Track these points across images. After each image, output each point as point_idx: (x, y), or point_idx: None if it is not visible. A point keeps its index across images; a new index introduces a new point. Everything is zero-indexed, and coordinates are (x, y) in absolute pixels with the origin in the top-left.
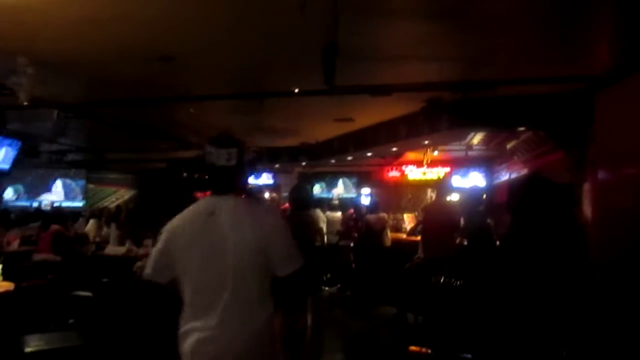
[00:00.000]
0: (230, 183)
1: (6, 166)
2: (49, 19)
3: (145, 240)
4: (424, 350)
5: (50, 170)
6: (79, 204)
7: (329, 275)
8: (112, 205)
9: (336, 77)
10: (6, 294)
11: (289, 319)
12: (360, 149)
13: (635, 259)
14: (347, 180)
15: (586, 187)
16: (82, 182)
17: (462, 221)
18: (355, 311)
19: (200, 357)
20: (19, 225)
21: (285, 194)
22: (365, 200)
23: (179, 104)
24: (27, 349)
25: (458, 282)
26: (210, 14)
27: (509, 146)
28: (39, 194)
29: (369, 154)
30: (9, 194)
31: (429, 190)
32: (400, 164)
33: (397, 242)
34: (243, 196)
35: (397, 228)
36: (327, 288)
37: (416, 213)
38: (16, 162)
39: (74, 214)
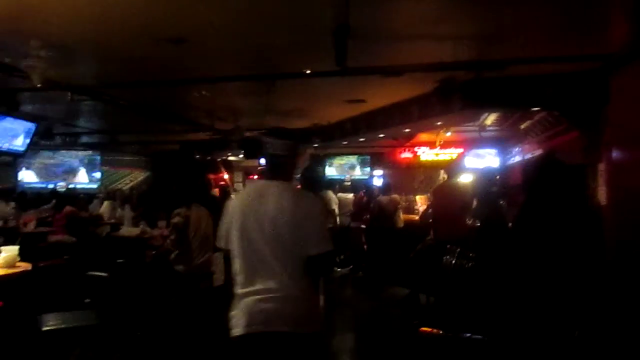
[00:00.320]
0: (280, 171)
1: (21, 148)
2: (61, 1)
3: (159, 222)
4: (435, 331)
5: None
6: (93, 185)
7: (341, 257)
8: (126, 187)
9: (348, 58)
10: (24, 273)
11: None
12: (372, 131)
13: None
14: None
15: (601, 167)
16: (97, 164)
17: (474, 202)
18: (367, 292)
19: (259, 315)
20: (34, 206)
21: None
22: (378, 182)
23: (191, 86)
24: (45, 328)
25: (470, 264)
26: None
27: (522, 126)
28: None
29: (381, 136)
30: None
31: (442, 172)
32: (413, 145)
33: (409, 224)
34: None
35: (410, 210)
36: (339, 269)
37: (428, 195)
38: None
39: (89, 195)
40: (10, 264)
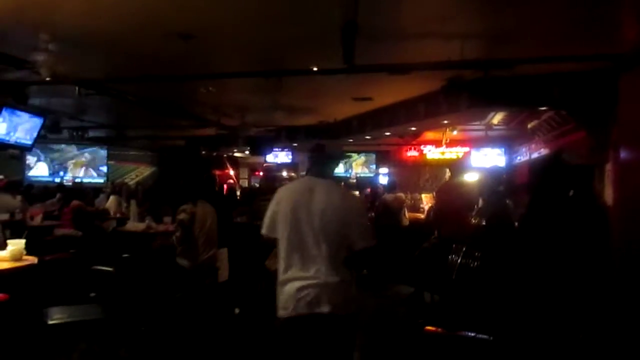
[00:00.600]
0: (328, 171)
1: (29, 142)
2: None
3: (165, 217)
4: (440, 330)
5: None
6: (100, 180)
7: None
8: (132, 182)
9: (355, 56)
10: (30, 267)
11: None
12: (378, 128)
13: None
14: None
15: (609, 167)
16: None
17: (480, 201)
18: (371, 290)
19: (303, 299)
20: (41, 200)
21: (303, 173)
22: (383, 180)
23: (199, 81)
24: (50, 321)
25: (475, 263)
26: None
27: (530, 126)
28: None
29: (388, 133)
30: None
31: (447, 170)
32: (419, 144)
33: (414, 222)
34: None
35: (415, 208)
36: None
37: (434, 193)
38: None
39: (95, 190)
40: (16, 258)
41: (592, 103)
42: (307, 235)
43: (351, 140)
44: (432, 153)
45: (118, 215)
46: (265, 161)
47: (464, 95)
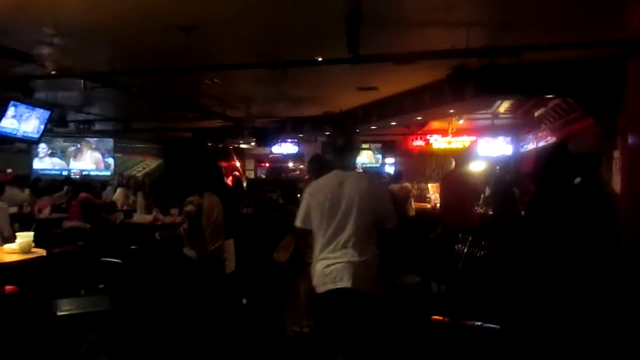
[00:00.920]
0: (352, 164)
1: (35, 135)
2: None
3: (172, 209)
4: (446, 319)
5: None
6: (106, 172)
7: None
8: (139, 174)
9: (360, 46)
10: (39, 259)
11: (313, 287)
12: (384, 118)
13: None
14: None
15: (616, 154)
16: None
17: (486, 191)
18: (380, 280)
19: (330, 275)
20: (48, 193)
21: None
22: (389, 170)
23: (203, 73)
24: (60, 313)
25: (482, 253)
26: None
27: (536, 114)
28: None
29: (393, 123)
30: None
31: (453, 160)
32: (425, 133)
33: (421, 212)
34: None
35: (422, 198)
36: None
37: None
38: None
39: (102, 183)
40: (25, 250)
41: (599, 90)
42: (340, 221)
43: (357, 130)
44: (438, 142)
45: (125, 207)
46: (271, 152)
47: (469, 83)
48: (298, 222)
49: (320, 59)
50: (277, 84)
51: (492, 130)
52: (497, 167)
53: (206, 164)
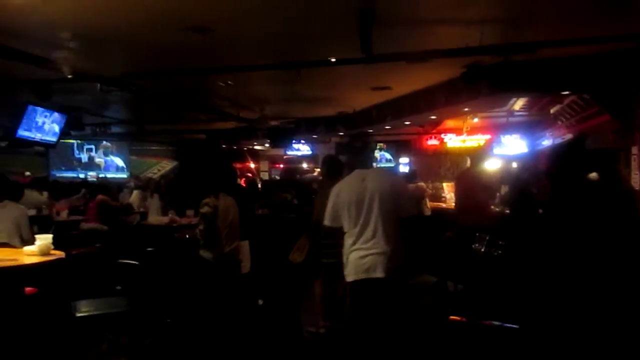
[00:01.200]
0: (370, 162)
1: (53, 139)
2: None
3: (188, 210)
4: (464, 319)
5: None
6: (122, 175)
7: None
8: (157, 176)
9: (373, 45)
10: (58, 261)
11: (329, 287)
12: (398, 118)
13: None
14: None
15: (634, 150)
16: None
17: (502, 189)
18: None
19: (363, 264)
20: (66, 195)
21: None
22: (404, 169)
23: (217, 75)
24: (78, 314)
25: (499, 252)
26: None
27: (552, 111)
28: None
29: (407, 123)
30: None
31: (467, 159)
32: (439, 132)
33: (436, 211)
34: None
35: (437, 197)
36: None
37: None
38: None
39: (118, 185)
40: (44, 252)
41: (616, 85)
42: (367, 215)
43: (371, 130)
44: (452, 141)
45: (142, 209)
46: (286, 153)
47: (484, 81)
48: (327, 222)
49: (333, 60)
50: (290, 84)
51: (507, 127)
52: (515, 165)
53: (220, 165)
